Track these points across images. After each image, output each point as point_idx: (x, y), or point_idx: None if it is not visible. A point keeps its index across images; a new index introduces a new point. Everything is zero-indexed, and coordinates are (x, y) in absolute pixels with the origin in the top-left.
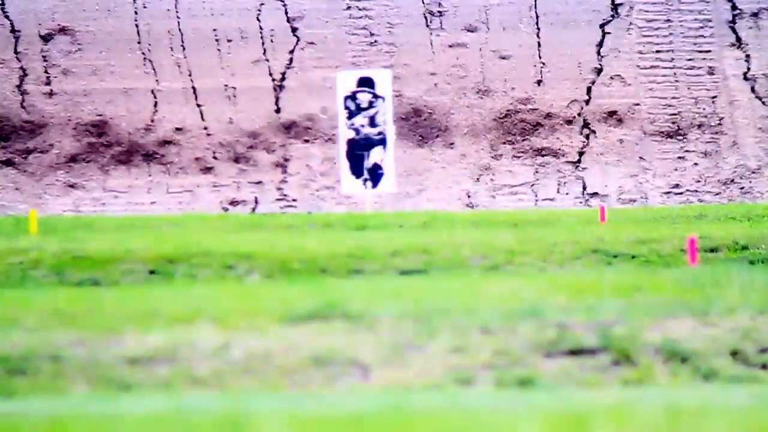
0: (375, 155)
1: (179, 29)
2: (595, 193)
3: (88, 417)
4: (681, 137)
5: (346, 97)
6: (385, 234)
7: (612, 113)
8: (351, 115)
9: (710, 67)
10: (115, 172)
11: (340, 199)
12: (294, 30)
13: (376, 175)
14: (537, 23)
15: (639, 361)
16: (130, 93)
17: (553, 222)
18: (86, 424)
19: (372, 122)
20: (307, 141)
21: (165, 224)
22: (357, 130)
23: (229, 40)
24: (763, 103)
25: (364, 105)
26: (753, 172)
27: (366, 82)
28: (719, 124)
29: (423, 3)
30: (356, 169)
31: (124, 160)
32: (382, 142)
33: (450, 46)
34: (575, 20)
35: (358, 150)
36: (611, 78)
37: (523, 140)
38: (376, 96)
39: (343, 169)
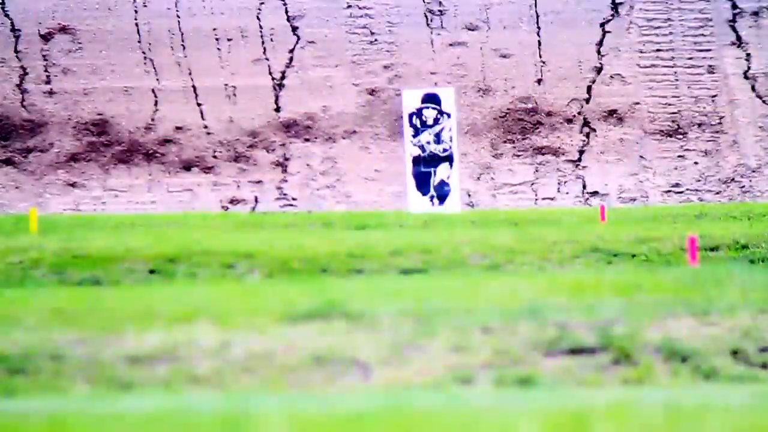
0: None
1: (179, 28)
2: (596, 192)
3: (88, 416)
4: (681, 136)
5: None
6: (385, 233)
7: (612, 112)
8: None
9: (710, 66)
10: (115, 171)
11: (340, 198)
12: (294, 29)
13: None
14: (537, 22)
15: (639, 361)
16: (131, 92)
17: (554, 221)
18: (87, 424)
19: None
20: (307, 140)
21: (165, 223)
22: None
23: (229, 39)
24: (764, 101)
25: None
26: (753, 171)
27: None
28: (719, 122)
29: (423, 2)
30: None
31: (125, 159)
32: None
33: (450, 45)
34: (575, 19)
35: None
36: (611, 77)
37: (524, 139)
38: None
39: None
